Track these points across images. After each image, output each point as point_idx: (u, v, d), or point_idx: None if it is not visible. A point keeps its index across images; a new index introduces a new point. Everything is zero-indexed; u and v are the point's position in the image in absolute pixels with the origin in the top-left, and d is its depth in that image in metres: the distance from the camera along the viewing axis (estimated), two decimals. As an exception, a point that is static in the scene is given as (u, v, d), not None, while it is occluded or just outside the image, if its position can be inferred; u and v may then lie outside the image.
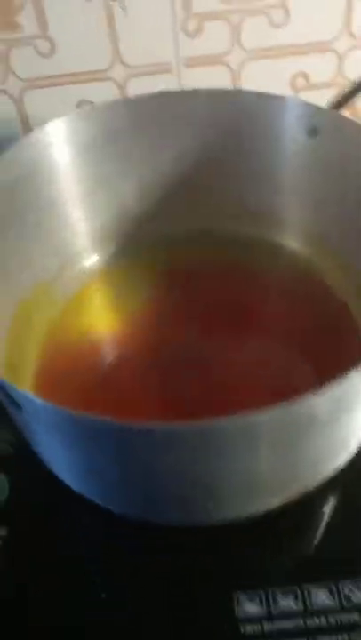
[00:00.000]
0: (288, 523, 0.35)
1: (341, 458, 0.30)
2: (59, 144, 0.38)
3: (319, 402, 0.21)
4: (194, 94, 0.40)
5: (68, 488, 0.33)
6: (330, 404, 0.22)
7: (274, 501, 0.29)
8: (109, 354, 0.42)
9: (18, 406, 0.24)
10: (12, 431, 0.40)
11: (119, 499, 0.30)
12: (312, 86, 0.51)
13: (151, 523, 0.33)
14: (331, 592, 0.34)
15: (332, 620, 0.33)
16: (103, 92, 0.50)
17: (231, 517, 0.30)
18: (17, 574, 0.35)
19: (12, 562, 0.35)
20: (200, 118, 0.41)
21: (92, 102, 0.50)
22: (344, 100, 0.36)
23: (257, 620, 0.32)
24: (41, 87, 0.49)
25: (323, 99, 0.38)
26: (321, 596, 0.33)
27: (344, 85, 0.41)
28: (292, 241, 0.45)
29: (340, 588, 0.34)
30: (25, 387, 0.38)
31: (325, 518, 0.36)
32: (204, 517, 0.29)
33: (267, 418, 0.21)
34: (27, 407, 0.24)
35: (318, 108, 0.36)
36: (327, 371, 0.22)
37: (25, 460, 0.37)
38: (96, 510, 0.34)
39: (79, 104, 0.50)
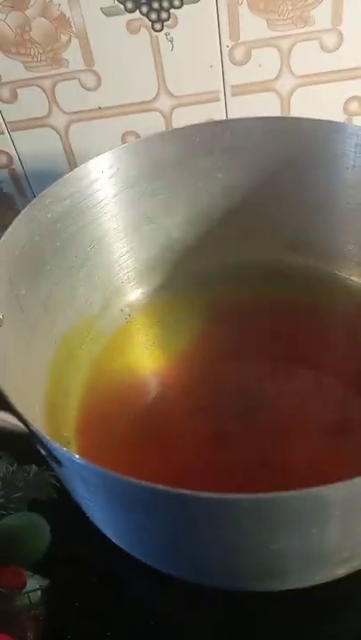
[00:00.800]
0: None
1: None
2: (104, 179, 0.37)
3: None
4: (245, 122, 0.38)
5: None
6: None
7: (339, 572, 0.26)
8: (153, 393, 0.40)
9: (58, 462, 0.22)
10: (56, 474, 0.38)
11: (165, 560, 0.27)
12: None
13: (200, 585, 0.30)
14: None
15: None
16: (149, 123, 0.49)
17: (289, 587, 0.27)
18: (58, 625, 0.33)
19: (54, 613, 0.33)
20: (252, 147, 0.39)
21: (137, 133, 0.49)
22: None
23: None
24: (86, 120, 0.49)
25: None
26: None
27: None
28: (349, 273, 0.42)
29: None
30: (67, 426, 0.36)
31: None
32: (259, 585, 0.27)
33: (335, 493, 0.18)
34: (67, 465, 0.22)
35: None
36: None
37: (69, 506, 0.35)
38: (141, 564, 0.32)
39: (125, 135, 0.49)
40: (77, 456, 0.21)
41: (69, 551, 0.35)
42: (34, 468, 0.40)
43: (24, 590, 0.34)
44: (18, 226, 0.32)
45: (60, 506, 0.37)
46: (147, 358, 0.41)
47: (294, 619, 0.31)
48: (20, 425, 0.24)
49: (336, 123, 0.35)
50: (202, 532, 0.22)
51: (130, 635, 0.32)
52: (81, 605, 0.33)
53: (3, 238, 0.31)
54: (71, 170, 0.51)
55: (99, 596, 0.34)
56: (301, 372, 0.39)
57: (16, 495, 0.38)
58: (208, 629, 0.32)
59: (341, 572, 0.26)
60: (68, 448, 0.35)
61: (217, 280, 0.43)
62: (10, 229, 0.31)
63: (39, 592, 0.34)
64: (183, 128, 0.38)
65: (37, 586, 0.34)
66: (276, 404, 0.37)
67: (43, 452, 0.23)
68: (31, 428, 0.22)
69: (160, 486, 0.18)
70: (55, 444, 0.21)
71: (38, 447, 0.23)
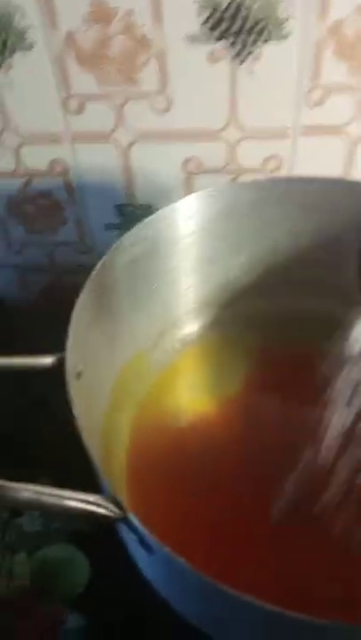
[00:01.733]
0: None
1: None
2: (182, 220, 0.36)
3: None
4: (319, 182, 0.38)
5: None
6: None
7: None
8: (200, 441, 0.39)
9: (149, 548, 0.23)
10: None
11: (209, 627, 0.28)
12: None
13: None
14: None
15: None
16: (213, 152, 0.48)
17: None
18: None
19: None
20: (318, 204, 0.39)
21: (200, 160, 0.49)
22: None
23: None
24: (150, 141, 0.48)
25: None
26: None
27: None
28: None
29: None
30: (116, 470, 0.36)
31: None
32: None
33: None
34: (156, 551, 0.22)
35: None
36: None
37: (109, 537, 0.35)
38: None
39: (186, 161, 0.49)
40: (171, 551, 0.21)
41: (108, 589, 0.35)
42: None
43: (63, 628, 0.34)
44: (102, 270, 0.32)
45: (100, 540, 0.37)
46: (197, 398, 0.42)
47: None
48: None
49: None
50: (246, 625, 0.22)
51: None
52: None
53: (87, 285, 0.30)
54: (126, 186, 0.51)
55: (137, 637, 0.34)
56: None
57: (55, 525, 0.38)
58: None
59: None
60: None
61: (271, 325, 0.43)
62: (93, 276, 0.31)
63: (78, 632, 0.33)
64: (257, 181, 0.38)
65: (76, 624, 0.34)
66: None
67: (133, 536, 0.23)
68: (127, 512, 0.22)
69: (249, 598, 0.19)
70: (152, 537, 0.21)
71: (129, 533, 0.23)
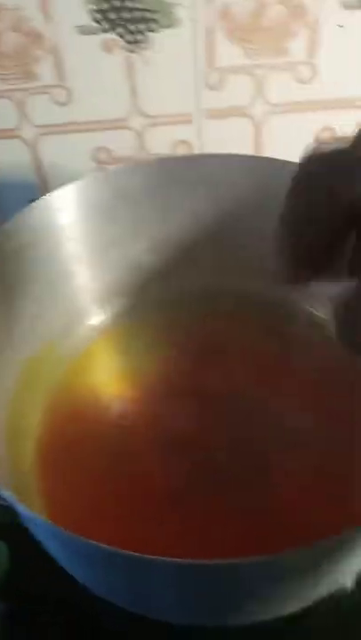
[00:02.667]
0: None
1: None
2: (69, 209, 0.37)
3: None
4: (208, 159, 0.38)
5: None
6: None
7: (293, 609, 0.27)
8: (115, 419, 0.40)
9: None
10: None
11: (127, 601, 0.28)
12: (339, 140, 0.50)
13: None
14: None
15: None
16: (121, 140, 0.48)
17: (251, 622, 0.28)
18: None
19: (11, 634, 0.33)
20: (216, 180, 0.40)
21: (109, 149, 0.49)
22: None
23: None
24: (56, 134, 0.48)
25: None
26: None
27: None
28: (310, 301, 0.43)
29: None
30: (26, 452, 0.36)
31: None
32: (219, 624, 0.28)
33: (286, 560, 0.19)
34: (30, 523, 0.22)
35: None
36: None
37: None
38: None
39: (96, 150, 0.49)
40: (44, 519, 0.21)
41: (29, 576, 0.36)
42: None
43: None
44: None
45: (19, 529, 0.37)
46: (109, 383, 0.42)
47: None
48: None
49: (291, 162, 0.35)
50: (161, 589, 0.22)
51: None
52: (40, 631, 0.34)
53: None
54: (40, 182, 0.51)
55: (58, 622, 0.34)
56: (263, 397, 0.40)
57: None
58: None
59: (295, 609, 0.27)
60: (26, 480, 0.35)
61: (182, 305, 0.44)
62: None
63: None
64: (147, 162, 0.38)
65: None
66: (236, 433, 0.37)
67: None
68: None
69: (121, 551, 0.19)
70: (22, 506, 0.21)
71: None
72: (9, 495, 0.23)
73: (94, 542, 0.20)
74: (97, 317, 0.43)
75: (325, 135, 0.49)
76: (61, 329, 0.41)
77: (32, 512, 0.22)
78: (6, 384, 0.36)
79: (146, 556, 0.19)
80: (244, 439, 0.37)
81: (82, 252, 0.39)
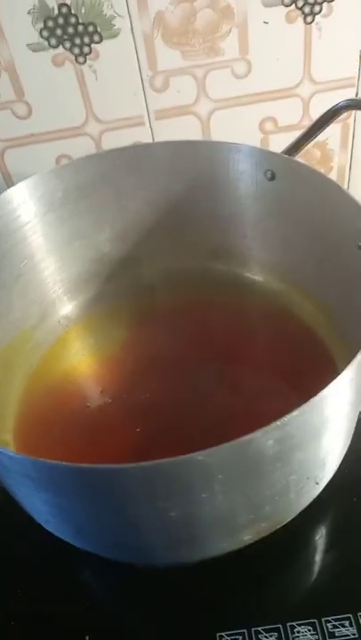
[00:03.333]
0: (268, 561, 0.35)
1: (306, 496, 0.30)
2: (28, 204, 0.40)
3: (261, 440, 0.22)
4: (154, 147, 0.42)
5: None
6: (274, 442, 0.23)
7: (245, 538, 0.30)
8: (88, 397, 0.43)
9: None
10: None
11: (87, 540, 0.30)
12: (281, 129, 0.54)
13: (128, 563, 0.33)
14: (314, 628, 0.34)
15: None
16: (80, 146, 0.52)
17: (202, 556, 0.30)
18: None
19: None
20: (166, 168, 0.43)
21: (70, 156, 0.53)
22: (297, 146, 0.38)
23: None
24: (20, 146, 0.52)
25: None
26: (305, 634, 0.33)
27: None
28: (261, 276, 0.46)
29: (324, 625, 0.34)
30: (6, 429, 0.39)
31: (307, 555, 0.36)
32: (174, 556, 0.30)
33: (209, 458, 0.22)
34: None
35: (273, 154, 0.38)
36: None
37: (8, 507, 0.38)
38: (76, 550, 0.35)
39: (59, 158, 0.53)
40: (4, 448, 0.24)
41: (10, 541, 0.38)
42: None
43: None
44: None
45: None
46: (83, 365, 0.45)
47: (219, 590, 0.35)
48: None
49: (234, 144, 0.39)
50: (105, 503, 0.25)
51: (68, 615, 0.35)
52: (23, 590, 0.36)
53: None
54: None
55: (38, 580, 0.37)
56: (221, 365, 0.43)
57: None
58: (142, 609, 0.35)
59: (247, 537, 0.30)
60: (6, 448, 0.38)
61: (146, 289, 0.47)
62: None
63: None
64: (100, 153, 0.42)
65: None
66: (197, 396, 0.40)
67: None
68: None
69: (61, 463, 0.22)
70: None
71: None
72: None
73: (59, 462, 0.23)
74: (68, 306, 0.46)
75: (268, 125, 0.53)
76: (35, 318, 0.44)
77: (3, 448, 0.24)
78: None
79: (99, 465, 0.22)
80: (201, 402, 0.40)
81: (47, 245, 0.43)
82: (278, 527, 0.31)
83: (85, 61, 0.48)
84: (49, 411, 0.41)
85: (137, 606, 0.36)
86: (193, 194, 0.44)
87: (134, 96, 0.50)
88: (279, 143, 0.50)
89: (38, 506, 0.29)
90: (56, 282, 0.45)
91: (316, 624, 0.33)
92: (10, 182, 0.54)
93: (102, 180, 0.43)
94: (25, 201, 0.40)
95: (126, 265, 0.47)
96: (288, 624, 0.33)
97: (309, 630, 0.33)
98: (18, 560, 0.37)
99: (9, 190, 0.39)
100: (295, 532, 0.34)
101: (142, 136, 0.53)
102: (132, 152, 0.43)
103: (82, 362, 0.45)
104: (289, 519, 0.31)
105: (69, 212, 0.43)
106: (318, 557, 0.36)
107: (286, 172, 0.38)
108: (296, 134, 0.42)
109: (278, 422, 0.22)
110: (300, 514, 0.32)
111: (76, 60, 0.48)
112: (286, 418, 0.22)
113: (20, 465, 0.24)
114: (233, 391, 0.41)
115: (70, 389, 0.43)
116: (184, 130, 0.52)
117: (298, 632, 0.33)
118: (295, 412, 0.22)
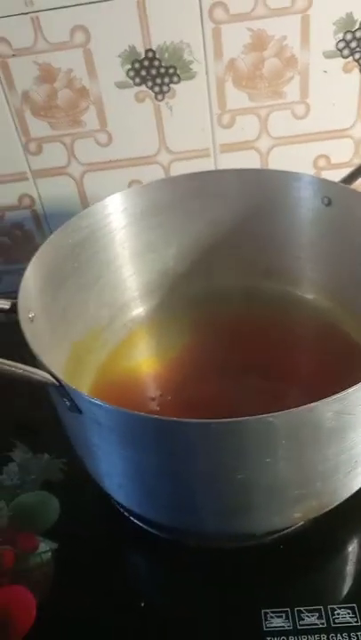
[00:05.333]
0: (313, 544, 0.38)
1: (354, 480, 0.34)
2: (115, 214, 0.46)
3: (322, 409, 0.26)
4: (224, 173, 0.47)
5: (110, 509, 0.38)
6: (333, 415, 0.27)
7: (296, 515, 0.33)
8: (148, 390, 0.47)
9: (78, 409, 0.30)
10: (63, 459, 0.45)
11: (151, 505, 0.34)
12: (333, 166, 0.59)
13: (185, 538, 0.37)
14: (353, 612, 0.36)
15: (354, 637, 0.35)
16: (151, 173, 0.58)
17: (257, 530, 0.34)
18: (64, 581, 0.39)
19: (61, 571, 0.40)
20: (230, 193, 0.49)
21: (141, 182, 0.59)
22: (353, 177, 0.43)
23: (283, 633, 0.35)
24: (98, 170, 0.58)
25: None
26: (345, 616, 0.36)
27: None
28: (311, 294, 0.51)
29: None
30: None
31: (352, 543, 0.39)
32: (226, 526, 0.33)
33: (277, 420, 0.26)
34: (86, 408, 0.30)
35: (332, 182, 0.43)
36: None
37: (74, 487, 0.43)
38: (135, 530, 0.39)
39: (131, 183, 0.59)
40: (95, 398, 0.28)
41: (74, 522, 0.42)
42: (46, 456, 0.47)
43: (37, 552, 0.41)
44: (46, 248, 0.40)
45: (67, 486, 0.45)
46: (145, 365, 0.49)
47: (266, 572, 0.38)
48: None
49: (296, 173, 0.44)
50: (179, 458, 0.29)
51: (125, 589, 0.39)
52: (84, 565, 0.40)
53: (35, 256, 0.39)
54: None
55: (99, 557, 0.40)
56: (271, 377, 0.47)
57: (30, 478, 0.45)
58: (193, 585, 0.38)
59: (297, 515, 0.33)
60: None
61: (204, 302, 0.52)
62: (40, 250, 0.40)
63: (49, 553, 0.41)
64: (176, 177, 0.48)
65: (48, 548, 0.41)
66: (248, 403, 0.44)
67: (67, 402, 0.30)
68: (59, 379, 0.30)
69: (150, 415, 0.26)
70: (78, 391, 0.29)
71: (63, 399, 0.31)
72: (70, 387, 0.29)
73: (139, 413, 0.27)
74: (134, 311, 0.51)
75: (321, 162, 0.58)
76: (105, 320, 0.50)
77: (87, 395, 0.29)
78: (59, 361, 0.44)
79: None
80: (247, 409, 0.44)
81: (124, 254, 0.48)
82: (326, 509, 0.34)
83: (163, 99, 0.54)
84: (113, 402, 0.46)
85: (187, 583, 0.39)
86: (253, 217, 0.50)
87: (202, 131, 0.56)
88: (331, 179, 0.55)
89: (116, 466, 0.33)
90: (127, 288, 0.50)
91: (356, 608, 0.36)
92: (85, 201, 0.61)
93: (174, 201, 0.48)
94: (110, 214, 0.46)
95: (188, 279, 0.52)
96: (329, 606, 0.36)
97: (348, 613, 0.36)
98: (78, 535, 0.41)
99: (97, 204, 0.45)
100: (341, 520, 0.38)
101: (207, 167, 0.58)
102: (202, 177, 0.48)
103: (144, 361, 0.49)
104: (337, 502, 0.34)
105: (145, 227, 0.48)
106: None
107: (342, 199, 0.42)
108: (346, 171, 0.47)
109: (339, 395, 0.26)
110: (348, 501, 0.35)
111: (155, 97, 0.54)
112: (346, 391, 0.26)
113: (113, 418, 0.28)
114: (278, 403, 0.44)
115: (133, 385, 0.48)
116: (245, 163, 0.58)
117: (338, 614, 0.36)
118: (355, 387, 0.26)
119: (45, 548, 0.41)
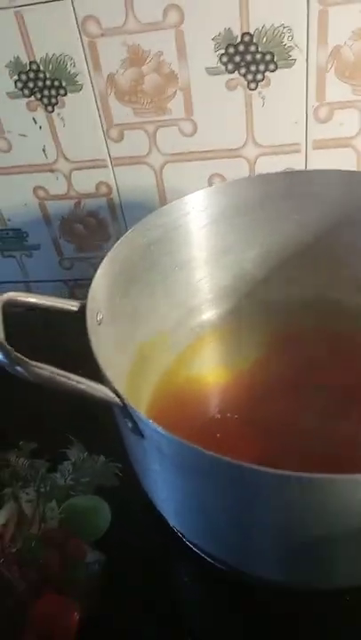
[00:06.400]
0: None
1: None
2: (195, 213, 0.42)
3: None
4: (323, 173, 0.43)
5: (163, 525, 0.36)
6: None
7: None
8: (214, 405, 0.44)
9: (140, 433, 0.27)
10: (118, 464, 0.43)
11: (217, 542, 0.31)
12: None
13: (247, 577, 0.33)
14: None
15: None
16: (234, 168, 0.55)
17: (324, 585, 0.30)
18: (110, 596, 0.37)
19: (108, 585, 0.38)
20: (325, 196, 0.44)
21: (223, 176, 0.55)
22: None
23: None
24: (179, 162, 0.55)
25: None
26: None
27: None
28: None
29: None
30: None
31: None
32: (305, 579, 0.30)
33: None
34: (150, 435, 0.27)
35: None
36: None
37: (129, 494, 0.41)
38: (190, 552, 0.36)
39: (211, 177, 0.55)
40: (160, 427, 0.25)
41: (125, 534, 0.40)
42: (102, 458, 0.45)
43: (84, 561, 0.39)
44: (121, 245, 0.38)
45: (120, 493, 0.42)
46: (210, 372, 0.46)
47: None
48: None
49: None
50: (260, 507, 0.25)
51: (172, 615, 0.36)
52: (131, 582, 0.38)
53: (109, 254, 0.37)
54: (160, 203, 0.58)
55: (148, 575, 0.38)
56: (348, 401, 0.42)
57: (84, 480, 0.43)
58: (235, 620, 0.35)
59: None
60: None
61: (281, 312, 0.48)
62: (115, 247, 0.37)
63: (96, 565, 0.38)
64: (267, 174, 0.44)
65: (96, 559, 0.39)
66: (320, 428, 0.40)
67: (129, 423, 0.28)
68: (123, 399, 0.27)
69: (230, 459, 0.23)
70: (142, 415, 0.26)
71: (125, 420, 0.28)
72: (135, 410, 0.27)
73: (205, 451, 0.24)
74: (204, 316, 0.48)
75: None
76: (173, 322, 0.47)
77: (151, 421, 0.26)
78: (124, 364, 0.42)
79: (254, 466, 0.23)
80: (323, 431, 0.40)
81: (200, 255, 0.45)
82: None
83: (256, 87, 0.50)
84: (174, 411, 0.43)
85: (241, 623, 0.36)
86: (348, 224, 0.45)
87: (296, 124, 0.52)
88: None
89: (176, 495, 0.30)
90: (199, 291, 0.47)
91: None
92: (162, 194, 0.58)
93: (260, 201, 0.45)
94: (189, 213, 0.42)
95: (266, 285, 0.48)
96: None
97: None
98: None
99: (176, 201, 0.41)
100: None
101: (296, 163, 0.54)
102: (296, 176, 0.44)
103: (211, 371, 0.46)
104: None
105: (226, 228, 0.44)
106: None
107: None
108: None
109: None
110: None
111: (248, 85, 0.50)
112: None
113: (178, 450, 0.25)
114: (356, 424, 0.40)
115: (197, 397, 0.45)
116: (338, 161, 0.53)
117: None
118: None
119: (93, 558, 0.39)
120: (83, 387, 0.26)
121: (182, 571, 0.38)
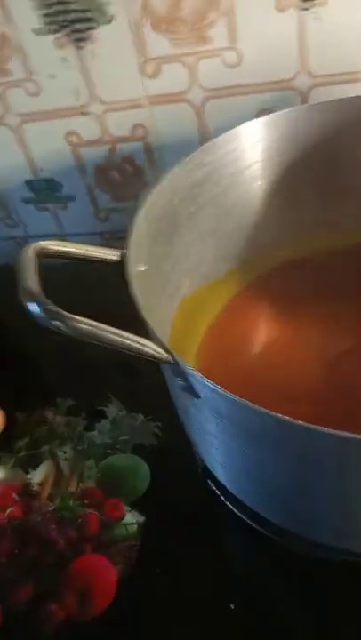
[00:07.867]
0: None
1: None
2: (241, 149, 0.38)
3: None
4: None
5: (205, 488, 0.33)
6: None
7: None
8: (265, 350, 0.41)
9: (195, 395, 0.24)
10: (158, 422, 0.41)
11: (273, 506, 0.29)
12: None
13: (292, 545, 0.31)
14: None
15: None
16: (284, 101, 0.49)
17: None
18: (148, 557, 0.36)
19: (146, 546, 0.36)
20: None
21: (272, 111, 0.50)
22: None
23: None
24: (223, 97, 0.50)
25: None
26: None
27: None
28: None
29: None
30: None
31: None
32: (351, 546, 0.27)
33: None
34: (205, 395, 0.24)
35: None
36: None
37: (168, 454, 0.40)
38: (232, 516, 0.34)
39: (259, 114, 0.50)
40: (219, 386, 0.22)
41: (165, 495, 0.38)
42: (140, 416, 0.43)
43: (122, 522, 0.37)
44: (162, 187, 0.34)
45: (160, 453, 0.40)
46: (259, 321, 0.43)
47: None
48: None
49: None
50: (328, 472, 0.23)
51: (213, 580, 0.34)
52: (170, 544, 0.36)
53: (147, 199, 0.33)
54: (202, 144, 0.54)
55: (188, 538, 0.36)
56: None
57: (122, 438, 0.41)
58: (279, 587, 0.34)
59: None
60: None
61: (340, 259, 0.43)
62: (155, 190, 0.34)
63: (135, 525, 0.37)
64: (328, 102, 0.39)
65: (135, 520, 0.37)
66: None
67: (182, 382, 0.25)
68: (176, 358, 0.24)
69: (292, 420, 0.20)
70: (198, 374, 0.23)
71: (177, 379, 0.25)
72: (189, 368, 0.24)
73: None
74: (258, 265, 0.44)
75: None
76: (223, 272, 0.43)
77: (208, 380, 0.23)
78: (168, 319, 0.39)
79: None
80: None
81: (250, 197, 0.40)
82: None
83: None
84: (221, 369, 0.40)
85: (284, 590, 0.34)
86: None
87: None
88: None
89: (234, 460, 0.27)
90: (249, 240, 0.43)
91: None
92: (204, 134, 0.53)
93: (319, 133, 0.40)
94: (234, 149, 0.38)
95: (327, 229, 0.43)
96: None
97: None
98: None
99: (225, 135, 0.37)
100: None
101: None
102: (347, 104, 0.39)
103: (258, 319, 0.43)
104: None
105: (275, 166, 0.40)
106: None
107: None
108: None
109: None
110: None
111: (301, 7, 0.44)
112: None
113: (240, 412, 0.22)
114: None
115: (243, 349, 0.41)
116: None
117: None
118: None
119: (132, 519, 0.37)
120: (128, 342, 0.23)
121: (222, 533, 0.36)
